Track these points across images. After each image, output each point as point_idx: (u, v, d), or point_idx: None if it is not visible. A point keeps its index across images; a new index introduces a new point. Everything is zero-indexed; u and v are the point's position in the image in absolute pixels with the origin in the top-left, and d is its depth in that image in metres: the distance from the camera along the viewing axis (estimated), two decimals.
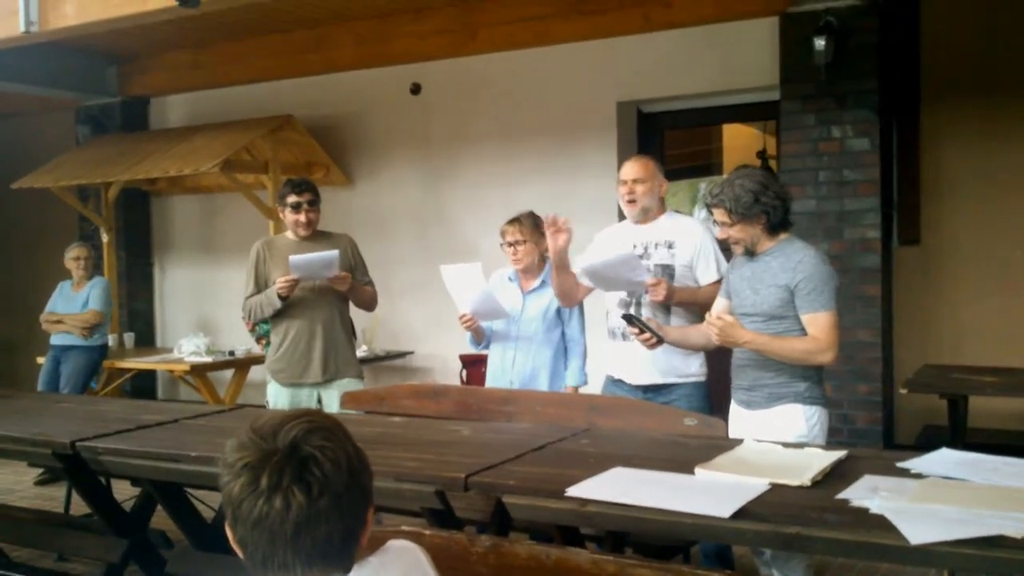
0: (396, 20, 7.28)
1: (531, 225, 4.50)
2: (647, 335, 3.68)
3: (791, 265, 3.45)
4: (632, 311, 3.96)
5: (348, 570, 1.48)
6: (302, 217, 4.71)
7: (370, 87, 7.76)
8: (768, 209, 3.47)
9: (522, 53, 7.01)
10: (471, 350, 4.81)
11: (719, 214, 3.54)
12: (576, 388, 4.48)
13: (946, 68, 6.15)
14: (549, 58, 6.98)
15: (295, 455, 1.43)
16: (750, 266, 3.59)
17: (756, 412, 3.54)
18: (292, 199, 4.70)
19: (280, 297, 4.59)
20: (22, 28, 5.74)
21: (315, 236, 4.79)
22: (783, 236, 3.56)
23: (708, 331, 3.55)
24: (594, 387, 4.44)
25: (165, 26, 6.87)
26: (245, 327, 6.78)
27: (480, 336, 4.58)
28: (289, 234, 4.83)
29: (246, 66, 8.01)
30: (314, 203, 4.76)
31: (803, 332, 3.46)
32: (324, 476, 1.42)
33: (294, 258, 4.49)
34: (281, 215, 4.84)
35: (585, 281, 4.16)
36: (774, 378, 3.50)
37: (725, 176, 4.12)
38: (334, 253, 4.55)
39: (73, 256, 6.99)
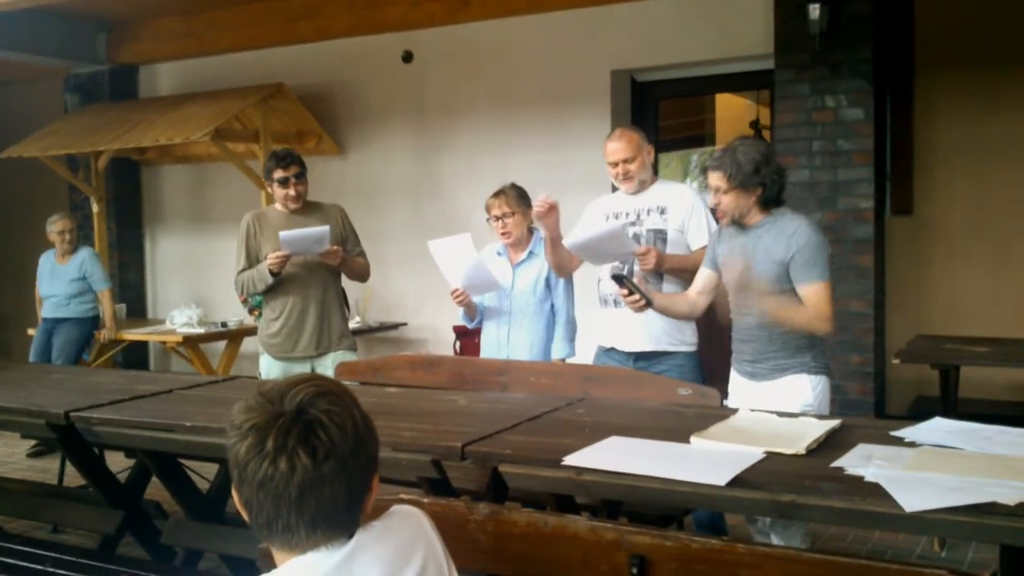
0: None
1: (516, 197, 4.47)
2: (635, 296, 3.65)
3: (784, 238, 3.44)
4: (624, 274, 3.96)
5: (352, 534, 1.49)
6: (291, 191, 4.67)
7: (362, 55, 7.71)
8: (767, 181, 3.46)
9: (516, 21, 6.96)
10: (466, 325, 4.79)
11: (716, 178, 3.51)
12: (563, 360, 4.47)
13: (940, 38, 6.14)
14: (543, 26, 6.93)
15: (301, 418, 1.43)
16: (740, 240, 3.57)
17: (761, 383, 3.55)
18: (279, 174, 4.65)
19: (272, 273, 4.57)
20: None
21: (306, 208, 4.75)
22: (773, 210, 3.54)
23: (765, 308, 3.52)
24: (585, 358, 4.44)
25: None
26: (238, 298, 6.77)
27: (473, 311, 4.55)
28: (279, 206, 4.80)
29: (237, 34, 7.93)
30: (301, 175, 4.71)
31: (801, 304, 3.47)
32: (330, 440, 1.43)
33: (284, 234, 4.47)
34: (269, 189, 4.80)
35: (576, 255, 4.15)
36: (780, 350, 3.50)
37: (716, 147, 4.11)
38: (324, 229, 4.52)
39: (57, 230, 6.89)
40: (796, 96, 5.91)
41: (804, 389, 3.49)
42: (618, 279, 3.71)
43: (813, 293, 3.40)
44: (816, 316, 3.40)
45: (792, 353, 3.50)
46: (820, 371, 3.53)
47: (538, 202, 4.04)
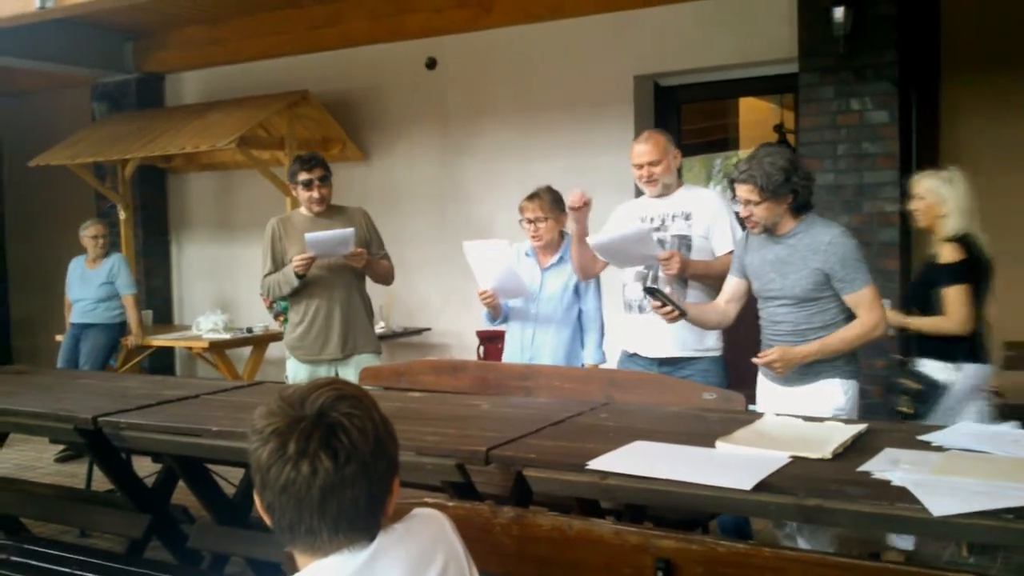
0: None
1: (550, 201, 4.47)
2: (669, 308, 3.63)
3: (821, 247, 3.44)
4: (651, 284, 3.95)
5: (374, 537, 1.50)
6: (315, 193, 4.72)
7: (386, 62, 7.74)
8: (798, 188, 3.46)
9: (538, 26, 6.97)
10: (488, 325, 4.80)
11: (745, 191, 3.48)
12: (594, 367, 4.47)
13: (966, 40, 6.08)
14: (565, 31, 6.93)
15: (322, 422, 1.44)
16: (773, 249, 3.55)
17: (793, 388, 3.53)
18: (303, 176, 4.71)
19: (297, 275, 4.60)
20: (37, 4, 5.73)
21: (330, 211, 4.79)
22: (804, 216, 3.54)
23: (769, 370, 3.54)
24: (610, 363, 4.43)
25: (181, 1, 6.88)
26: (263, 303, 6.81)
27: (497, 312, 4.56)
28: (303, 210, 4.84)
29: (262, 42, 7.99)
30: (325, 178, 4.76)
31: (839, 309, 3.48)
32: (351, 443, 1.44)
33: (310, 236, 4.50)
34: (294, 192, 4.85)
35: (600, 258, 4.15)
36: None
37: (740, 152, 4.09)
38: (349, 231, 4.55)
39: (91, 234, 7.03)
40: (820, 99, 5.87)
41: (837, 393, 3.49)
42: (651, 292, 3.69)
43: (866, 297, 3.44)
44: (870, 326, 3.43)
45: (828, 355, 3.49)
46: (852, 375, 3.53)
47: (573, 195, 4.03)
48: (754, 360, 3.56)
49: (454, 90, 7.53)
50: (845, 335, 3.45)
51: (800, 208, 3.52)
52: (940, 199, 4.22)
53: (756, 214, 3.50)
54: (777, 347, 3.50)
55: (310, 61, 7.93)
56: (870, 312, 3.44)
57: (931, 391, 4.07)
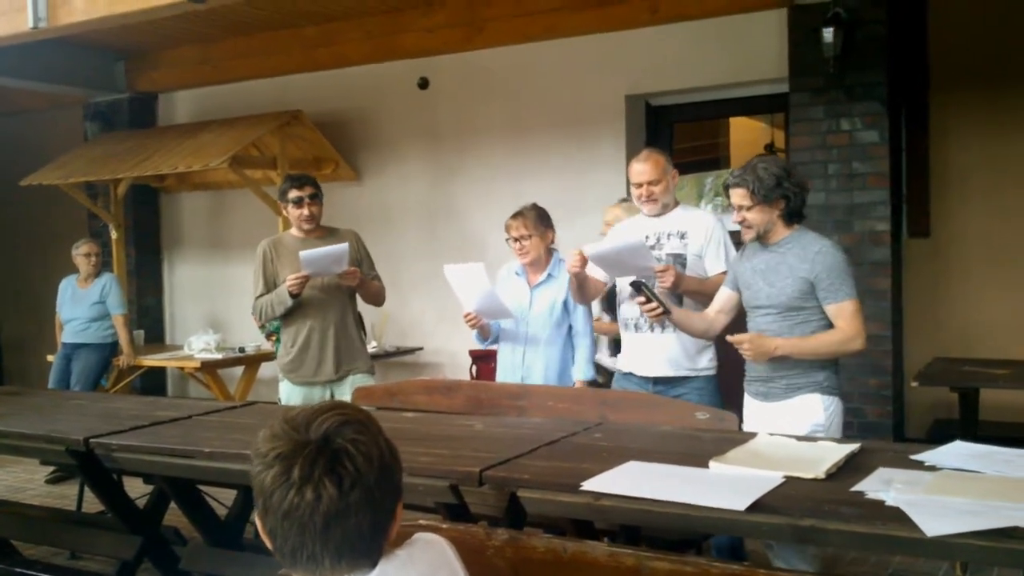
0: (405, 15, 7.27)
1: (535, 218, 4.49)
2: (653, 304, 3.69)
3: (809, 256, 3.48)
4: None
5: (376, 563, 1.49)
6: (305, 211, 4.72)
7: (379, 82, 7.76)
8: (789, 194, 3.51)
9: (530, 47, 7.00)
10: (480, 345, 4.79)
11: (738, 196, 3.54)
12: (585, 382, 4.48)
13: (954, 59, 6.13)
14: (557, 51, 6.96)
15: (327, 447, 1.43)
16: (763, 257, 3.59)
17: (773, 404, 3.55)
18: (294, 194, 4.71)
19: (291, 295, 4.59)
20: (31, 24, 5.75)
21: (321, 232, 4.79)
22: (796, 227, 3.59)
23: (742, 352, 3.55)
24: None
25: (173, 21, 6.88)
26: (255, 323, 6.79)
27: (487, 333, 4.57)
28: (294, 231, 4.83)
29: (254, 61, 8.01)
30: (316, 196, 4.76)
31: (821, 323, 3.50)
32: (356, 469, 1.43)
33: (305, 253, 4.50)
34: (284, 211, 4.85)
35: (598, 275, 4.15)
36: (792, 368, 3.51)
37: (731, 170, 4.13)
38: (344, 246, 4.55)
39: (83, 252, 7.00)
40: (811, 119, 5.91)
41: (816, 409, 3.49)
42: (636, 285, 3.74)
43: (846, 310, 3.45)
44: (848, 335, 3.45)
45: (805, 372, 3.51)
46: (833, 391, 3.54)
47: (572, 260, 4.02)
48: (728, 338, 3.60)
49: (446, 110, 7.56)
50: (822, 338, 3.47)
51: (792, 216, 3.57)
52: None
53: (748, 218, 3.56)
54: (753, 332, 3.54)
55: (303, 81, 7.95)
56: (850, 323, 3.46)
57: None
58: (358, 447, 1.44)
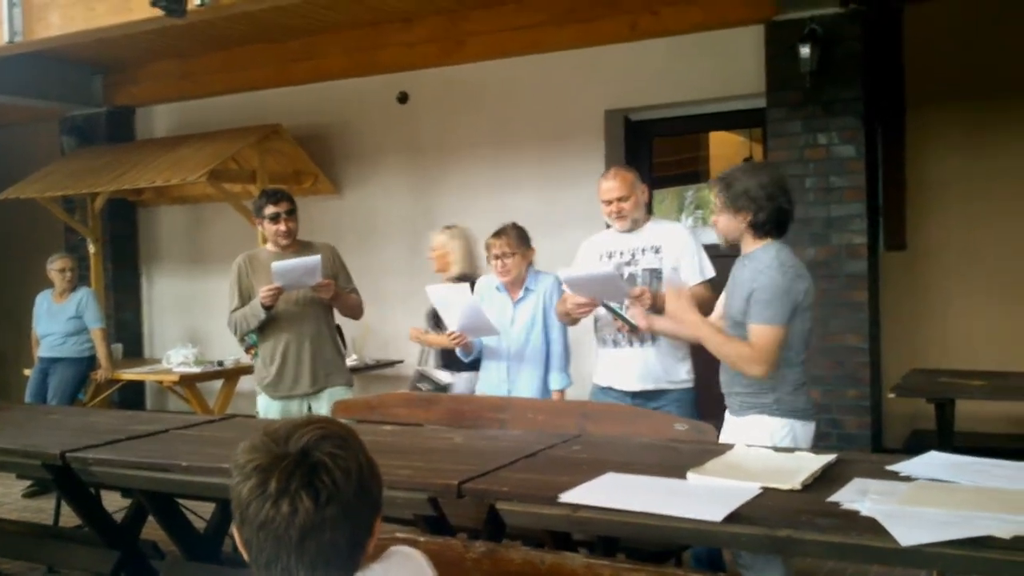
0: (384, 29, 7.28)
1: (516, 237, 4.50)
2: (619, 323, 3.78)
3: (758, 270, 3.29)
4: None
5: None
6: (281, 227, 4.70)
7: (358, 96, 7.77)
8: (754, 208, 3.30)
9: (510, 62, 7.03)
10: (463, 360, 4.79)
11: (713, 194, 3.44)
12: (562, 392, 4.49)
13: (930, 74, 6.21)
14: (537, 66, 7.00)
15: (305, 461, 1.43)
16: (735, 268, 3.55)
17: (734, 418, 3.50)
18: (270, 210, 4.70)
19: (264, 307, 4.58)
20: (6, 38, 5.74)
21: (296, 246, 4.78)
22: (767, 241, 3.35)
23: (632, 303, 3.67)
24: (581, 393, 4.45)
25: (151, 36, 6.87)
26: (235, 337, 6.76)
27: (470, 349, 4.58)
28: (270, 246, 4.82)
29: (233, 76, 7.99)
30: (292, 212, 4.75)
31: None
32: (333, 484, 1.42)
33: (277, 264, 4.48)
34: (260, 227, 4.83)
35: (568, 290, 4.15)
36: (744, 387, 3.38)
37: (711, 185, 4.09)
38: (316, 258, 4.54)
39: (58, 268, 6.94)
40: (788, 134, 5.96)
41: (764, 431, 3.32)
42: (607, 307, 3.80)
43: (758, 333, 3.23)
44: (749, 356, 3.25)
45: (754, 392, 3.35)
46: (786, 415, 3.32)
47: (572, 303, 4.02)
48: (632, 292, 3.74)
49: (427, 124, 7.57)
50: (729, 345, 3.31)
51: (759, 229, 3.34)
52: (448, 249, 5.22)
53: (718, 223, 3.42)
54: (683, 293, 3.56)
55: (282, 95, 7.95)
56: (759, 347, 3.24)
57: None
58: (336, 461, 1.44)
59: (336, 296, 4.73)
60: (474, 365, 4.74)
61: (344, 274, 4.90)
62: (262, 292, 4.55)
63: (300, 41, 7.63)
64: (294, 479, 1.41)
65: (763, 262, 3.29)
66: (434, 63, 7.25)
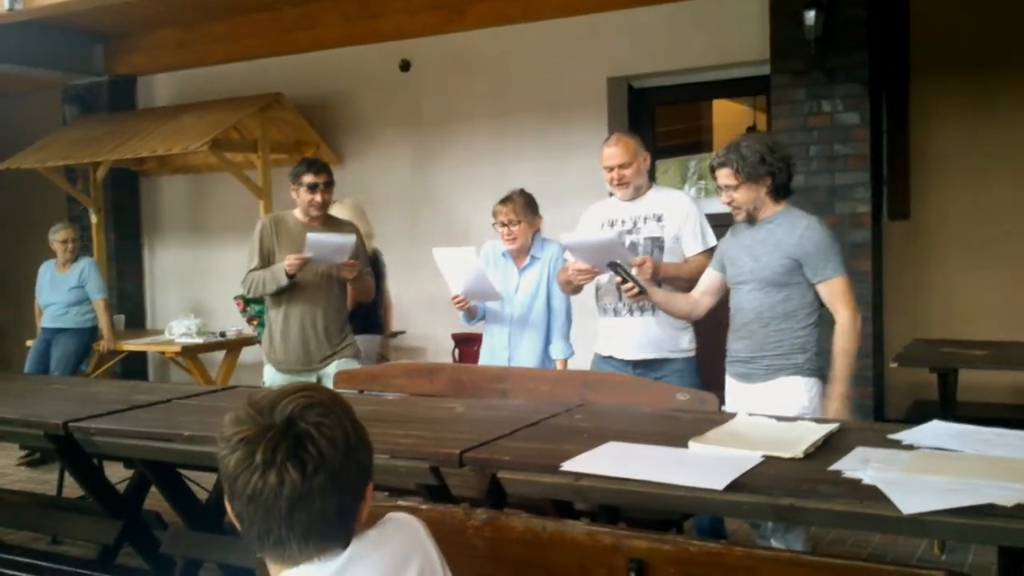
0: None
1: (523, 204, 4.48)
2: (630, 284, 3.72)
3: (796, 233, 3.47)
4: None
5: (346, 545, 1.48)
6: (317, 197, 4.64)
7: (359, 64, 7.72)
8: (774, 170, 3.50)
9: (512, 29, 6.98)
10: (463, 328, 4.79)
11: (724, 176, 3.54)
12: (564, 361, 4.49)
13: (935, 42, 6.14)
14: (539, 34, 6.94)
15: (291, 431, 1.42)
16: (750, 234, 3.59)
17: (755, 385, 3.55)
18: (309, 179, 4.63)
19: (288, 276, 4.55)
20: (6, 6, 5.69)
21: (325, 221, 4.73)
22: (784, 203, 3.58)
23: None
24: (583, 363, 4.44)
25: (152, 4, 6.83)
26: (236, 307, 6.76)
27: (473, 313, 4.57)
28: (298, 214, 4.75)
29: (234, 44, 7.94)
30: (329, 184, 4.70)
31: (804, 300, 3.49)
32: (319, 453, 1.41)
33: (313, 236, 4.44)
34: (294, 194, 4.72)
35: (569, 257, 4.14)
36: (774, 350, 3.51)
37: (714, 153, 4.12)
38: (352, 238, 4.51)
39: (60, 239, 6.95)
40: (792, 101, 5.92)
41: (799, 392, 3.49)
42: (613, 266, 3.75)
43: (836, 288, 3.45)
44: (848, 322, 3.43)
45: (786, 352, 3.51)
46: (814, 373, 3.53)
47: (573, 271, 4.01)
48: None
49: (428, 93, 7.53)
50: (843, 356, 3.45)
51: (779, 192, 3.56)
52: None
53: (736, 199, 3.55)
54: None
55: (283, 64, 7.90)
56: (845, 306, 3.45)
57: None
58: (321, 430, 1.43)
59: (358, 277, 4.71)
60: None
61: (364, 256, 4.89)
62: (289, 259, 4.49)
63: (299, 9, 7.57)
64: (280, 450, 1.40)
65: (801, 222, 3.51)
66: (435, 31, 7.20)
